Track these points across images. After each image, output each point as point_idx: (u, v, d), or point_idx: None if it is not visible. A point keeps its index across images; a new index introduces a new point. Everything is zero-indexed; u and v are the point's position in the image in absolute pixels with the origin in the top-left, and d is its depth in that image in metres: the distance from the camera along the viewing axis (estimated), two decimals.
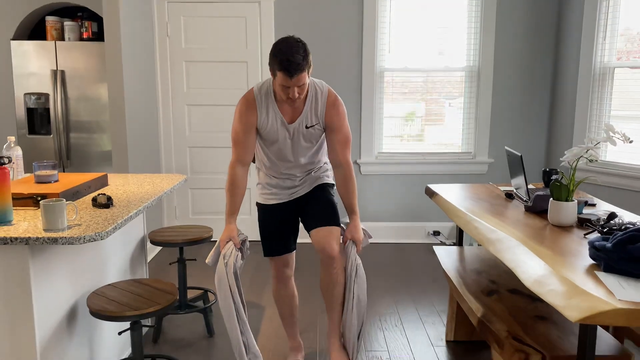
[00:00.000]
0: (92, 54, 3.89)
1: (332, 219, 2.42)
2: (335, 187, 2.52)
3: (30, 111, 4.04)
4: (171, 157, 4.75)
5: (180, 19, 4.55)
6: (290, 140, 2.39)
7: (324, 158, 2.55)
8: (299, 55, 2.14)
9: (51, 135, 4.03)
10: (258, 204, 2.59)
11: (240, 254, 2.37)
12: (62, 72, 3.95)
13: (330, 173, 2.56)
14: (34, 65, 3.96)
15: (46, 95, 3.99)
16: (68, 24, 4.00)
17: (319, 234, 2.39)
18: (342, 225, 2.48)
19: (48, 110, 4.01)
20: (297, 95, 2.21)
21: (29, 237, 1.82)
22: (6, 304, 1.95)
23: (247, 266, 4.18)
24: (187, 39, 4.58)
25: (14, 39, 4.01)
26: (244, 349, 2.34)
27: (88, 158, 4.05)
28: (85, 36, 4.03)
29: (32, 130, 4.06)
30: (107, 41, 3.82)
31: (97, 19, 4.06)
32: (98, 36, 4.05)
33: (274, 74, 2.21)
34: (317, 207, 2.46)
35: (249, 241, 2.48)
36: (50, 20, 4.01)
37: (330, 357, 2.53)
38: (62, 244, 1.83)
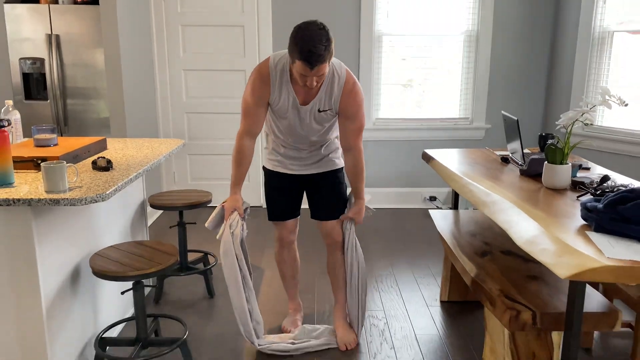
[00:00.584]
0: (87, 17, 3.84)
1: (338, 212, 2.54)
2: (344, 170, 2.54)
3: (26, 76, 4.00)
4: (169, 123, 4.75)
5: None
6: (300, 121, 2.34)
7: (335, 133, 2.52)
8: (321, 46, 2.01)
9: (48, 101, 4.01)
10: (265, 169, 2.60)
11: (244, 224, 2.41)
12: (57, 36, 3.91)
13: (340, 151, 2.54)
14: (28, 29, 3.91)
15: (41, 60, 3.95)
16: None
17: (326, 225, 2.53)
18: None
19: (44, 75, 3.97)
20: (315, 84, 2.12)
21: (31, 199, 1.85)
22: (11, 264, 1.99)
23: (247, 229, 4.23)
24: (182, 2, 4.52)
25: (7, 2, 3.95)
26: (249, 316, 2.39)
27: (86, 124, 4.04)
28: None
29: (28, 95, 4.04)
30: (102, 4, 3.77)
31: None
32: None
33: (292, 61, 2.09)
34: (326, 201, 2.53)
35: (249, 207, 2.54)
36: None
37: (337, 333, 2.62)
38: (64, 205, 1.86)
